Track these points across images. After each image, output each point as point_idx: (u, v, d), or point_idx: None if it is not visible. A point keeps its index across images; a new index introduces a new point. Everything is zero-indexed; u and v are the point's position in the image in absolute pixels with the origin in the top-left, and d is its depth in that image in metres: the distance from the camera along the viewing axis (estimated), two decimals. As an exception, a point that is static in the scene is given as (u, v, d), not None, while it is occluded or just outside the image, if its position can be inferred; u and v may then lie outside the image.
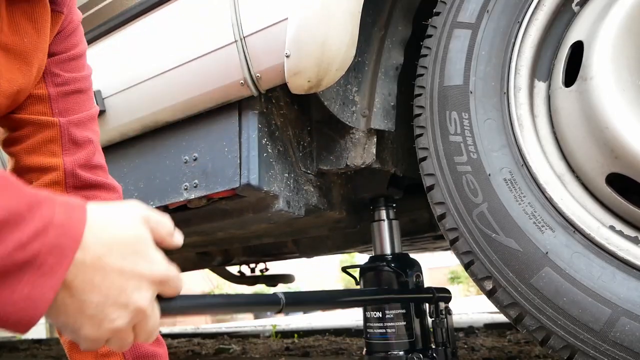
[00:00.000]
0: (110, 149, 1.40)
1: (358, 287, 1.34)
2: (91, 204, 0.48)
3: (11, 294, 0.40)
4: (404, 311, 1.22)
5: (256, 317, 8.24)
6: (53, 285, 0.42)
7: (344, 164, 1.24)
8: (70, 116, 0.90)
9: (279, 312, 0.72)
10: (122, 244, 0.47)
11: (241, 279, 3.05)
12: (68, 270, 0.43)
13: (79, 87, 0.92)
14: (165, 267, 0.51)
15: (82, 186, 0.90)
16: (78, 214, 0.45)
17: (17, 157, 0.89)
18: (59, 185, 0.88)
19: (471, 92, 0.98)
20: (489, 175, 0.93)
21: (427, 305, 1.25)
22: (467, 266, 0.95)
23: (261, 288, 8.17)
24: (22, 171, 0.89)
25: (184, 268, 2.79)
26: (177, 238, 0.56)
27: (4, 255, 0.39)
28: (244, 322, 7.30)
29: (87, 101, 0.94)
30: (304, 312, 8.62)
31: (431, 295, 1.21)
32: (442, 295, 1.24)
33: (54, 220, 0.43)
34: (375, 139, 1.22)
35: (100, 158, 0.94)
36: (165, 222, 0.55)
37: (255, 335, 3.62)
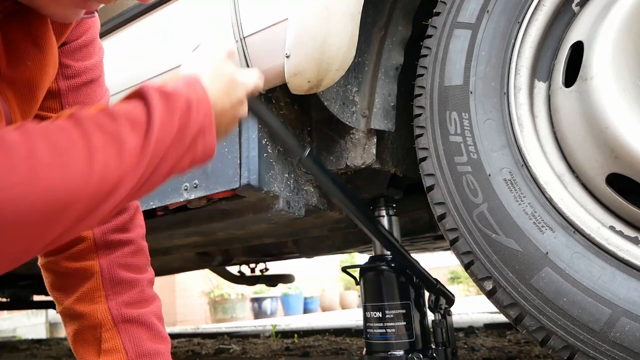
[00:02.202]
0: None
1: (358, 287, 1.34)
2: (194, 70, 0.71)
3: (195, 151, 0.65)
4: (404, 311, 1.22)
5: (256, 317, 8.24)
6: (212, 137, 0.67)
7: (344, 164, 1.24)
8: None
9: (299, 161, 1.00)
10: (226, 89, 0.72)
11: (241, 279, 3.05)
12: (213, 123, 0.67)
13: (91, 77, 0.91)
14: (250, 81, 0.79)
15: None
16: (200, 89, 0.67)
17: None
18: None
19: (471, 92, 0.98)
20: (489, 175, 0.93)
21: (426, 302, 1.26)
22: (467, 266, 0.95)
23: (261, 288, 8.17)
24: None
25: (184, 268, 2.79)
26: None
27: (192, 132, 0.63)
28: (244, 322, 7.30)
29: (99, 90, 0.93)
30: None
31: (435, 283, 1.22)
32: (444, 288, 1.24)
33: (198, 100, 0.65)
34: (375, 139, 1.22)
35: None
36: (231, 47, 0.81)
37: (255, 335, 3.62)
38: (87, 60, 0.90)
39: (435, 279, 1.25)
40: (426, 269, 1.25)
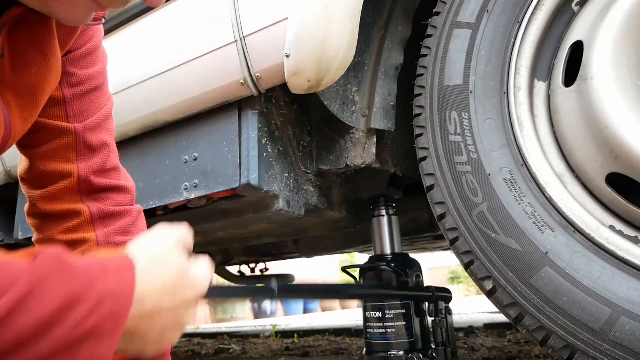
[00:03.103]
0: (110, 149, 1.40)
1: (358, 287, 1.34)
2: (135, 251, 0.54)
3: (75, 358, 0.46)
4: (404, 311, 1.22)
5: (256, 317, 8.24)
6: (111, 346, 0.48)
7: (344, 164, 1.24)
8: (86, 119, 0.89)
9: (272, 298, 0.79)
10: (170, 285, 0.54)
11: (241, 279, 3.05)
12: (127, 323, 0.49)
13: (95, 85, 0.91)
14: (204, 281, 0.59)
15: (95, 191, 0.91)
16: (127, 277, 0.50)
17: (32, 160, 0.89)
18: (72, 190, 0.90)
19: (471, 92, 0.98)
20: (489, 175, 0.93)
21: (427, 304, 1.26)
22: (467, 266, 0.95)
23: (261, 288, 8.15)
24: (37, 175, 0.90)
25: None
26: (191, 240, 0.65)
27: (65, 334, 0.45)
28: (244, 322, 7.30)
29: (102, 97, 0.93)
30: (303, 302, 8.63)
31: (430, 294, 1.21)
32: (441, 294, 1.24)
33: (108, 292, 0.48)
34: (375, 139, 1.22)
35: (114, 159, 0.95)
36: (187, 234, 0.62)
37: (255, 335, 3.62)
38: (91, 67, 0.90)
39: (430, 288, 1.24)
40: (426, 269, 1.25)
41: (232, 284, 0.87)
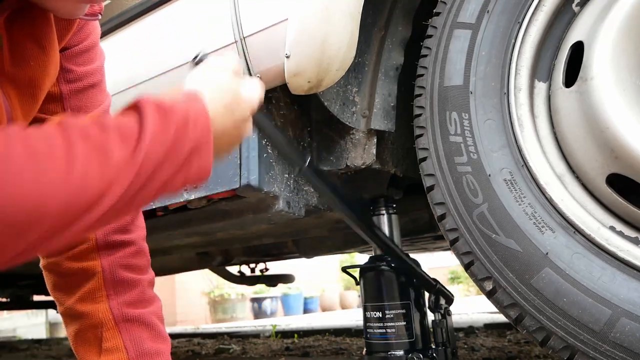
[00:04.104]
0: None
1: (358, 287, 1.34)
2: (196, 85, 0.67)
3: (189, 169, 0.61)
4: (404, 311, 1.22)
5: (256, 317, 8.24)
6: (209, 155, 0.63)
7: (344, 165, 1.24)
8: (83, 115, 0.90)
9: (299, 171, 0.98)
10: (229, 106, 0.68)
11: (241, 279, 3.05)
12: (211, 141, 0.64)
13: (92, 82, 0.91)
14: (255, 96, 0.74)
15: None
16: (200, 104, 0.64)
17: None
18: None
19: (471, 93, 0.98)
20: (489, 175, 0.93)
21: (426, 300, 1.26)
22: (467, 267, 0.95)
23: (261, 288, 8.17)
24: None
25: (184, 268, 2.79)
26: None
27: (182, 151, 0.60)
28: (244, 322, 7.30)
29: (100, 94, 0.93)
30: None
31: (434, 283, 1.22)
32: (443, 288, 1.24)
33: (197, 114, 0.62)
34: (375, 140, 1.22)
35: None
36: (235, 60, 0.74)
37: (255, 335, 3.62)
38: (89, 65, 0.90)
39: (434, 279, 1.25)
40: (426, 269, 1.25)
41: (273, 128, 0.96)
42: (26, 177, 0.47)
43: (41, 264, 0.96)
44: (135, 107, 0.59)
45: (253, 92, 0.73)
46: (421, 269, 1.25)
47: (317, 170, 1.06)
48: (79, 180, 0.50)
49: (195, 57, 0.76)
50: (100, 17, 0.83)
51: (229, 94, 0.68)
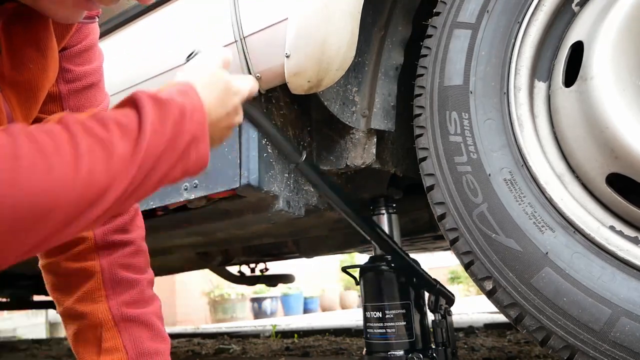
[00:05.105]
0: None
1: (358, 287, 1.34)
2: (188, 78, 0.69)
3: (188, 160, 0.63)
4: (404, 311, 1.22)
5: (256, 317, 8.24)
6: (206, 146, 0.66)
7: (344, 164, 1.24)
8: None
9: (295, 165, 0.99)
10: (221, 97, 0.70)
11: (241, 279, 3.05)
12: (207, 132, 0.66)
13: (91, 82, 0.91)
14: (245, 88, 0.76)
15: None
16: (195, 96, 0.66)
17: None
18: None
19: (471, 92, 0.98)
20: (489, 175, 0.93)
21: (427, 299, 1.26)
22: (467, 266, 0.95)
23: (261, 288, 8.17)
24: None
25: (184, 268, 2.79)
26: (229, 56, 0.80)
27: (181, 143, 0.62)
28: (244, 322, 7.30)
29: (99, 94, 0.94)
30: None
31: (435, 283, 1.22)
32: (444, 289, 1.24)
33: (192, 107, 0.64)
34: (375, 139, 1.22)
35: None
36: (224, 54, 0.77)
37: (255, 335, 3.62)
38: (87, 65, 0.91)
39: (435, 279, 1.25)
40: (426, 269, 1.25)
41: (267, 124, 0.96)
42: (37, 173, 0.48)
43: (40, 264, 0.96)
44: (132, 102, 0.60)
45: (243, 82, 0.77)
46: (421, 268, 1.25)
47: (314, 165, 1.06)
48: (85, 175, 0.51)
49: (190, 55, 0.79)
50: (97, 19, 0.84)
51: (220, 85, 0.71)
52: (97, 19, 0.83)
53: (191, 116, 0.63)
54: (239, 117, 0.76)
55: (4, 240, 0.47)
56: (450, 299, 1.26)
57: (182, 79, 0.70)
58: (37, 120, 0.85)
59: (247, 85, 0.78)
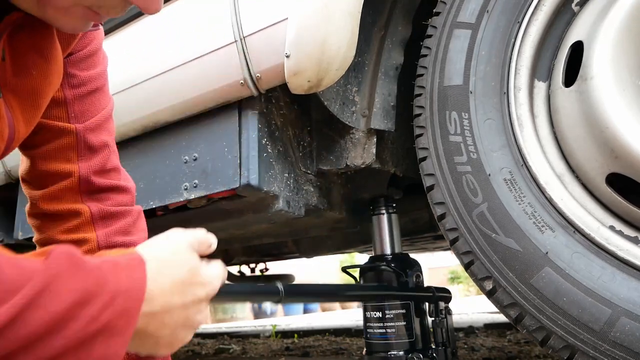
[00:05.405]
0: (110, 149, 1.40)
1: (358, 287, 1.34)
2: (145, 251, 0.55)
3: (88, 357, 0.47)
4: (404, 311, 1.22)
5: (256, 317, 8.24)
6: (123, 343, 0.49)
7: (344, 164, 1.24)
8: (87, 120, 0.89)
9: (278, 302, 0.80)
10: (180, 283, 0.55)
11: (241, 279, 3.05)
12: (139, 321, 0.50)
13: (95, 86, 0.91)
14: (216, 282, 0.61)
15: (95, 191, 0.92)
16: (139, 274, 0.51)
17: (33, 160, 0.90)
18: (73, 190, 0.90)
19: (471, 92, 0.98)
20: (489, 175, 0.93)
21: (427, 304, 1.26)
22: (467, 266, 0.95)
23: (261, 288, 8.14)
24: (37, 175, 0.90)
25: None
26: (214, 245, 0.66)
27: (79, 329, 0.46)
28: (244, 322, 7.30)
29: (103, 98, 0.94)
30: (304, 303, 8.62)
31: (431, 294, 1.22)
32: (441, 294, 1.24)
33: (120, 289, 0.49)
34: (375, 139, 1.22)
35: (114, 160, 0.95)
36: (203, 238, 0.64)
37: (255, 335, 3.62)
38: (92, 69, 0.91)
39: (430, 288, 1.24)
40: (426, 269, 1.25)
41: (236, 284, 0.85)
42: None
43: (35, 238, 0.95)
44: (46, 254, 0.48)
45: (214, 273, 0.61)
46: (420, 271, 1.25)
47: (295, 289, 0.99)
48: None
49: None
50: (101, 26, 0.83)
51: (184, 269, 0.57)
52: (101, 26, 0.82)
53: (115, 298, 0.48)
54: (201, 317, 0.59)
55: None
56: (447, 298, 1.26)
57: (140, 252, 0.55)
58: (41, 126, 0.86)
59: (219, 278, 0.63)
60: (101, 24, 0.83)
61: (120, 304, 0.48)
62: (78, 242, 0.91)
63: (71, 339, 0.45)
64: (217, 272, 0.62)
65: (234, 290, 0.77)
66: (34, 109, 0.78)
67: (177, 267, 0.56)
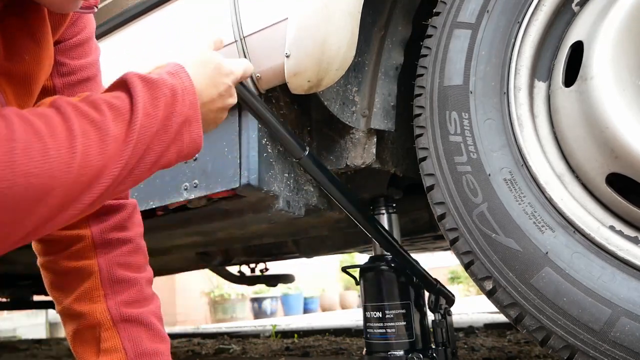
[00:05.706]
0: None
1: (358, 287, 1.34)
2: (181, 60, 0.70)
3: (181, 142, 0.64)
4: (404, 311, 1.22)
5: (256, 317, 8.24)
6: (199, 127, 0.67)
7: (344, 164, 1.24)
8: None
9: (300, 159, 1.00)
10: (212, 77, 0.72)
11: (241, 279, 3.05)
12: (199, 114, 0.67)
13: (86, 75, 0.90)
14: (238, 69, 0.78)
15: None
16: (185, 77, 0.67)
17: None
18: None
19: (471, 92, 0.98)
20: (489, 175, 0.93)
21: (426, 298, 1.26)
22: (467, 266, 0.95)
23: (261, 288, 8.17)
24: None
25: (184, 268, 2.79)
26: (223, 40, 0.88)
27: (173, 124, 0.63)
28: (244, 322, 7.30)
29: (95, 88, 0.93)
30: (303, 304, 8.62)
31: (435, 283, 1.22)
32: (444, 288, 1.24)
33: (183, 89, 0.65)
34: (375, 139, 1.22)
35: None
36: (215, 39, 0.82)
37: (255, 335, 3.62)
38: (83, 58, 0.90)
39: (435, 279, 1.25)
40: (426, 269, 1.25)
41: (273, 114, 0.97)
42: (32, 155, 0.48)
43: (38, 262, 0.96)
44: (123, 83, 0.60)
45: (236, 64, 0.77)
46: (421, 267, 1.25)
47: (315, 159, 1.06)
48: (80, 157, 0.51)
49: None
50: (96, 9, 0.82)
51: (210, 66, 0.72)
52: (95, 9, 0.82)
53: (182, 97, 0.64)
54: (233, 99, 0.76)
55: (2, 221, 0.47)
56: (450, 299, 1.26)
57: (172, 60, 0.70)
58: None
59: (240, 67, 0.78)
60: (96, 7, 0.82)
61: (187, 98, 0.64)
62: (73, 238, 0.91)
63: (170, 132, 0.61)
64: (238, 62, 0.78)
65: (262, 109, 0.95)
66: (28, 95, 0.77)
67: (206, 65, 0.71)
